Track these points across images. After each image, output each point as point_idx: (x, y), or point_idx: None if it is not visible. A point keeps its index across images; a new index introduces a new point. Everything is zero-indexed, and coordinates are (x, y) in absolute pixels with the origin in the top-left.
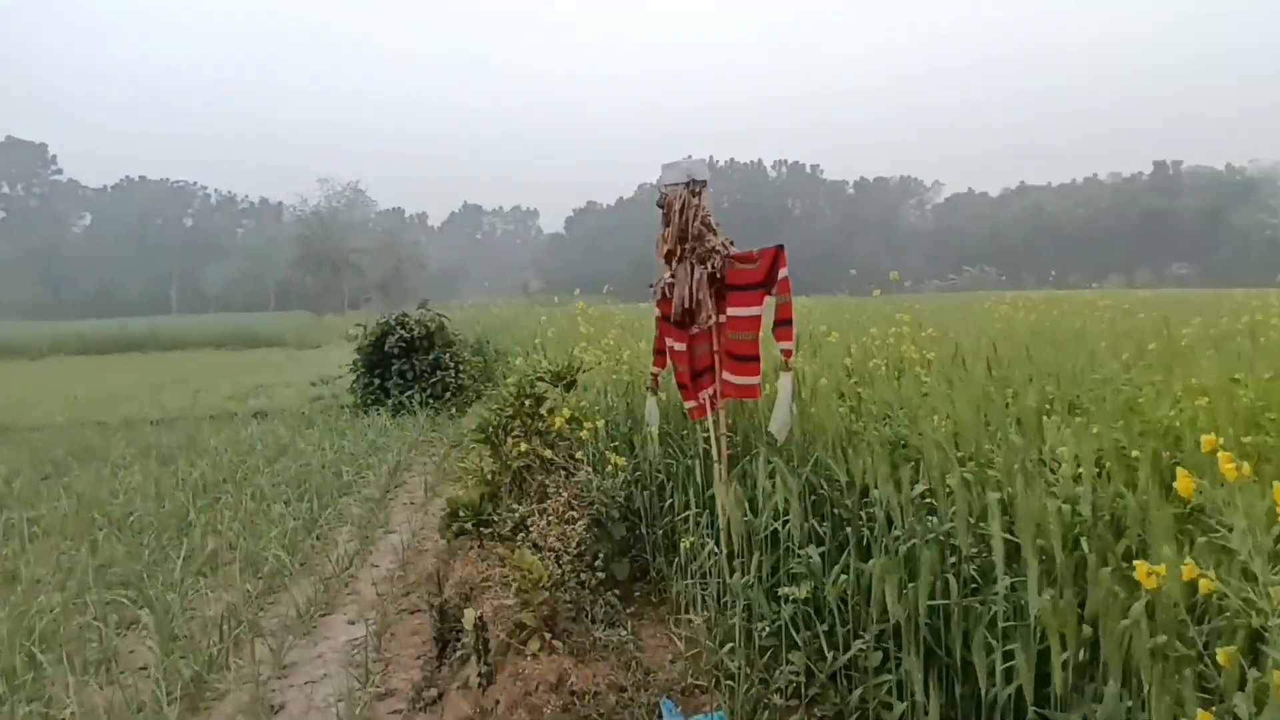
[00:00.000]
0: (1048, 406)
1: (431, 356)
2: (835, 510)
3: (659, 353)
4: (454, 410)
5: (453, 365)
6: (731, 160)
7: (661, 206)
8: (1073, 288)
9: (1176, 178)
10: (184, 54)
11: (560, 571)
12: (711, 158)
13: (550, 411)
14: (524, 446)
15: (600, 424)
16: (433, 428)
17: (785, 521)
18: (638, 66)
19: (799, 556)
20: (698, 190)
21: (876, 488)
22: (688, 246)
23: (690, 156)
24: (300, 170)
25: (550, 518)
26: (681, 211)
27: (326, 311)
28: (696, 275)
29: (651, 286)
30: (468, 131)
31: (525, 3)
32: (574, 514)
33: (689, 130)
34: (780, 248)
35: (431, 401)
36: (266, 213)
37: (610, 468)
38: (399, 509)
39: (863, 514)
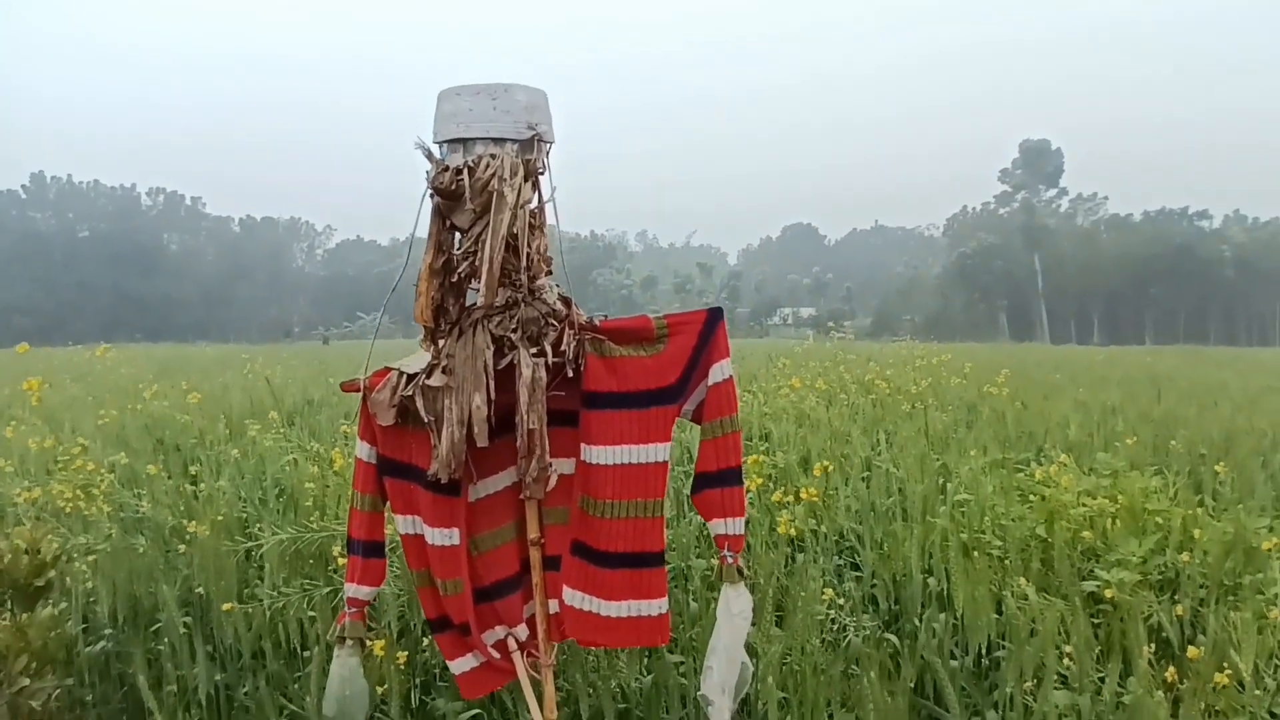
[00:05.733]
0: None
1: None
2: None
3: (364, 547)
4: None
5: None
6: (96, 181)
7: (441, 192)
8: None
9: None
10: None
11: None
12: (70, 176)
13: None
14: None
15: None
16: None
17: None
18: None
19: None
20: (538, 166)
21: None
22: (507, 299)
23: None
24: None
25: None
26: (514, 210)
27: None
28: (527, 374)
29: (349, 388)
30: None
31: None
32: None
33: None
34: (715, 314)
35: None
36: None
37: None
38: None
39: None
